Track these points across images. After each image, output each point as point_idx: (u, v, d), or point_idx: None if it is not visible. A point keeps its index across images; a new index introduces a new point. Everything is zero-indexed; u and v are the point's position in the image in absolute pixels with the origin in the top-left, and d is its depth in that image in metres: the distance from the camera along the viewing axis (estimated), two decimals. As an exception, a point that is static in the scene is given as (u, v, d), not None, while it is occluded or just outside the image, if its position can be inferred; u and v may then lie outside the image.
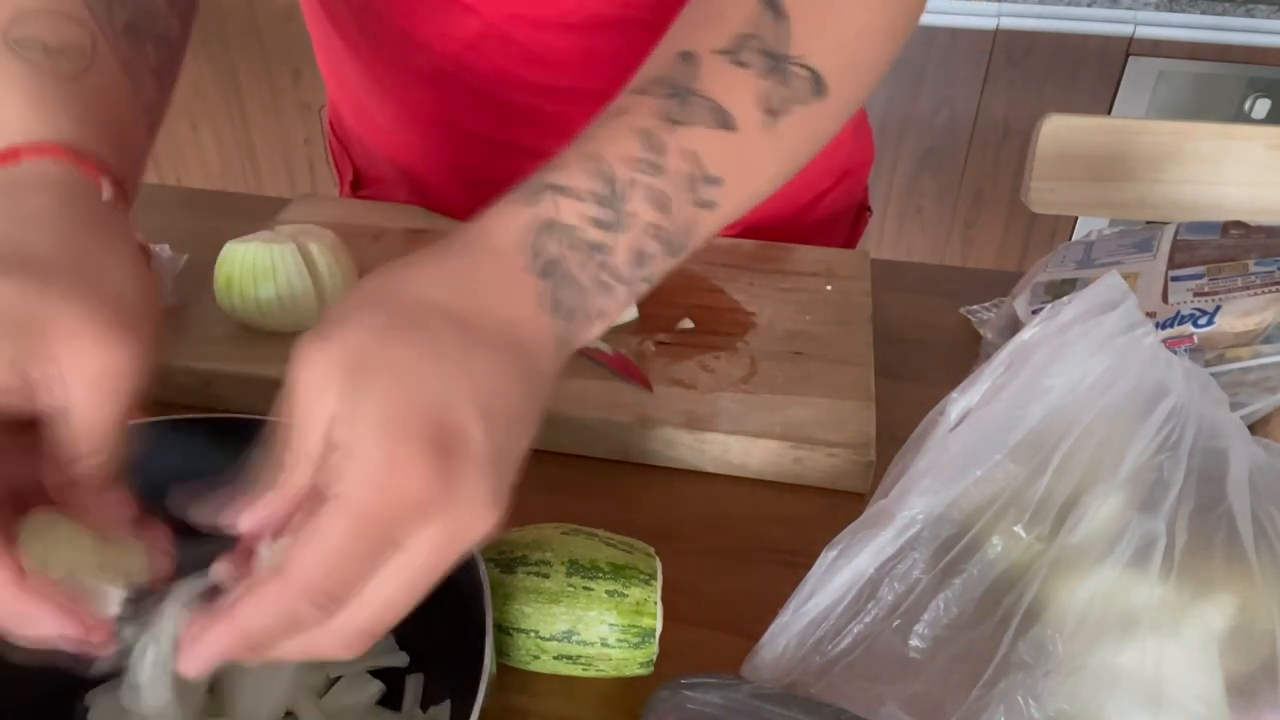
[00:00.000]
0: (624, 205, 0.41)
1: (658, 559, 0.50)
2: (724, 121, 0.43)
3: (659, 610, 0.48)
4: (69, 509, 0.37)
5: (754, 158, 0.45)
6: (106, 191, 0.41)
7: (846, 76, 0.47)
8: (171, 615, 0.38)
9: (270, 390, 0.70)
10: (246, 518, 0.36)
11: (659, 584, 0.48)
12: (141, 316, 0.38)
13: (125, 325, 0.37)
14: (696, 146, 0.42)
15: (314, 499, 0.35)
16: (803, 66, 0.44)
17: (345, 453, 0.34)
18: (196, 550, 0.38)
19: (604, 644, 0.47)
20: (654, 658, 0.48)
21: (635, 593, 0.47)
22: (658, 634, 0.48)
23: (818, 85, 0.45)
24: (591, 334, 0.42)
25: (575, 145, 0.42)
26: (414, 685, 0.48)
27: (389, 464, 0.33)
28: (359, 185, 0.91)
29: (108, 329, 0.36)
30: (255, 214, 0.82)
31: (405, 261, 0.39)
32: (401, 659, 0.49)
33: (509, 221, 0.40)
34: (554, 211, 0.40)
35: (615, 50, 0.61)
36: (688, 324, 0.70)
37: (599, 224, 0.41)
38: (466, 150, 0.79)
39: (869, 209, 0.96)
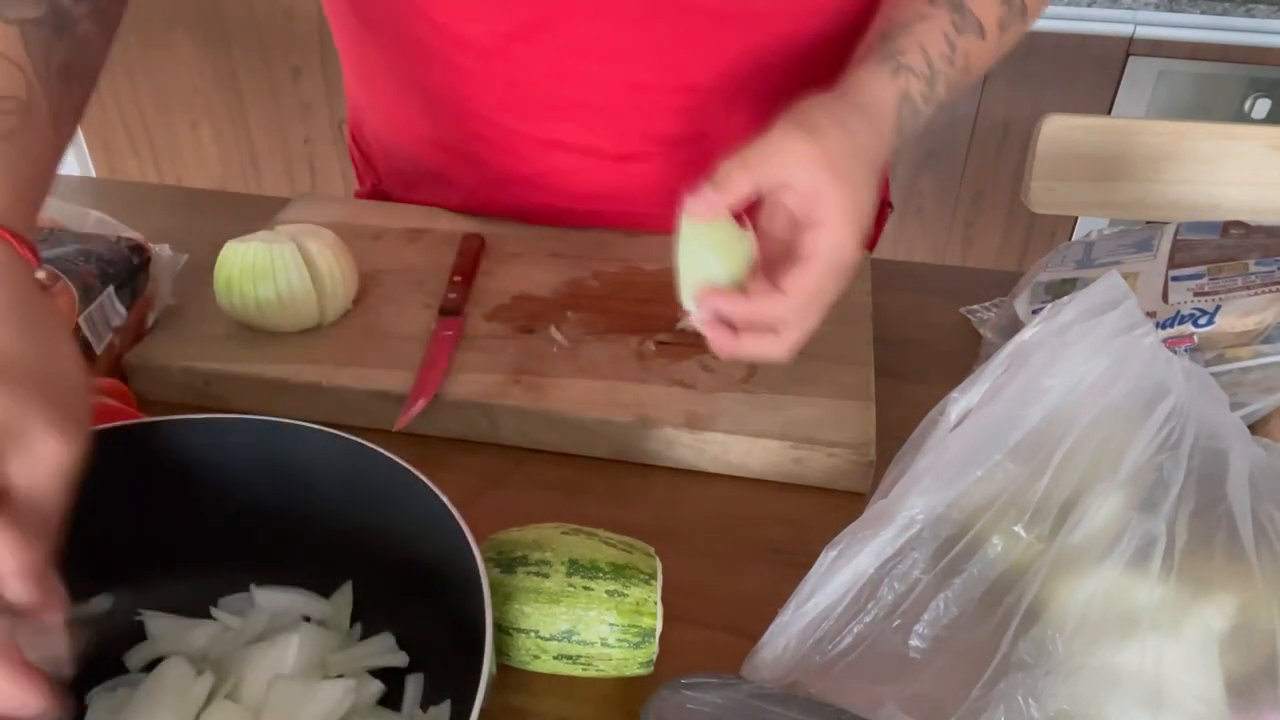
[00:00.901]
0: (936, 87, 0.60)
1: (658, 559, 0.50)
2: (982, 33, 0.62)
3: (659, 610, 0.48)
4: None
5: (989, 59, 0.64)
6: (41, 273, 0.44)
7: (1037, 3, 0.65)
8: None
9: (270, 390, 0.70)
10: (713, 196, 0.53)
11: (659, 584, 0.48)
12: (85, 404, 0.42)
13: (80, 417, 0.40)
14: (970, 50, 0.62)
15: (786, 257, 0.55)
16: None
17: (814, 224, 0.54)
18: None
19: (604, 644, 0.47)
20: (654, 658, 0.48)
21: (635, 592, 0.47)
22: (658, 634, 0.48)
23: (1025, 10, 0.65)
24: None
25: (904, 32, 0.60)
26: (414, 685, 0.48)
27: (848, 243, 0.54)
28: (381, 195, 0.91)
29: (70, 424, 0.39)
30: (255, 214, 0.82)
31: (827, 102, 0.56)
32: (401, 659, 0.49)
33: (886, 89, 0.58)
34: (906, 85, 0.58)
35: (674, 39, 0.69)
36: (688, 324, 0.70)
37: (925, 99, 0.59)
38: (514, 150, 0.78)
39: (890, 205, 0.96)
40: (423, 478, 0.45)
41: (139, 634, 0.50)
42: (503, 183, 0.81)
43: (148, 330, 0.70)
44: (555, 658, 0.48)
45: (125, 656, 0.49)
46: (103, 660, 0.49)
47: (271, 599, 0.51)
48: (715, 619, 0.53)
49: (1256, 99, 1.79)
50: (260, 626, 0.50)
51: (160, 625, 0.50)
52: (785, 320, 0.55)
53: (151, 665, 0.48)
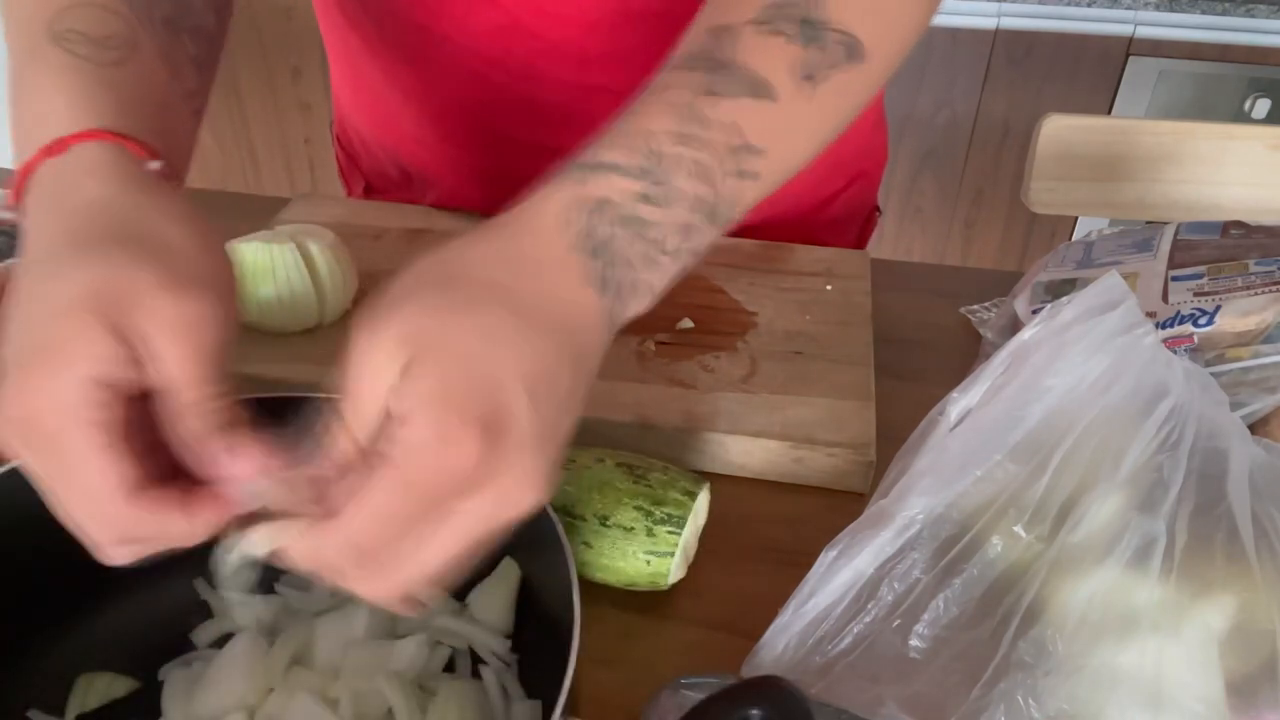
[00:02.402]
0: (671, 180, 0.41)
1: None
2: (763, 92, 0.43)
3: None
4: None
5: (794, 125, 0.46)
6: (153, 165, 0.42)
7: (882, 39, 0.47)
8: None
9: (270, 390, 0.69)
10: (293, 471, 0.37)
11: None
12: (208, 272, 0.39)
13: (193, 280, 0.38)
14: (737, 118, 0.43)
15: (365, 465, 0.36)
16: (838, 31, 0.45)
17: (400, 422, 0.35)
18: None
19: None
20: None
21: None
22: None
23: (854, 50, 0.46)
24: (638, 309, 0.43)
25: (618, 123, 0.43)
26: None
27: (441, 437, 0.34)
28: (370, 198, 0.91)
29: (178, 285, 0.37)
30: (255, 214, 0.82)
31: (460, 242, 0.40)
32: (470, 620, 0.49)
33: (559, 202, 0.40)
34: (604, 190, 0.40)
35: (645, 45, 0.58)
36: (688, 324, 0.70)
37: (647, 199, 0.41)
38: (493, 151, 0.78)
39: (878, 209, 0.96)
40: None
41: (205, 612, 0.51)
42: (483, 183, 0.81)
43: (148, 330, 0.70)
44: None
45: (193, 634, 0.50)
46: (171, 638, 0.50)
47: None
48: (715, 619, 0.53)
49: (1256, 99, 1.79)
50: (324, 600, 0.50)
51: (226, 601, 0.50)
52: (343, 555, 0.36)
53: (220, 642, 0.49)
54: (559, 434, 0.38)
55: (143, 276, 0.36)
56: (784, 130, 0.45)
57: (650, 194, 0.41)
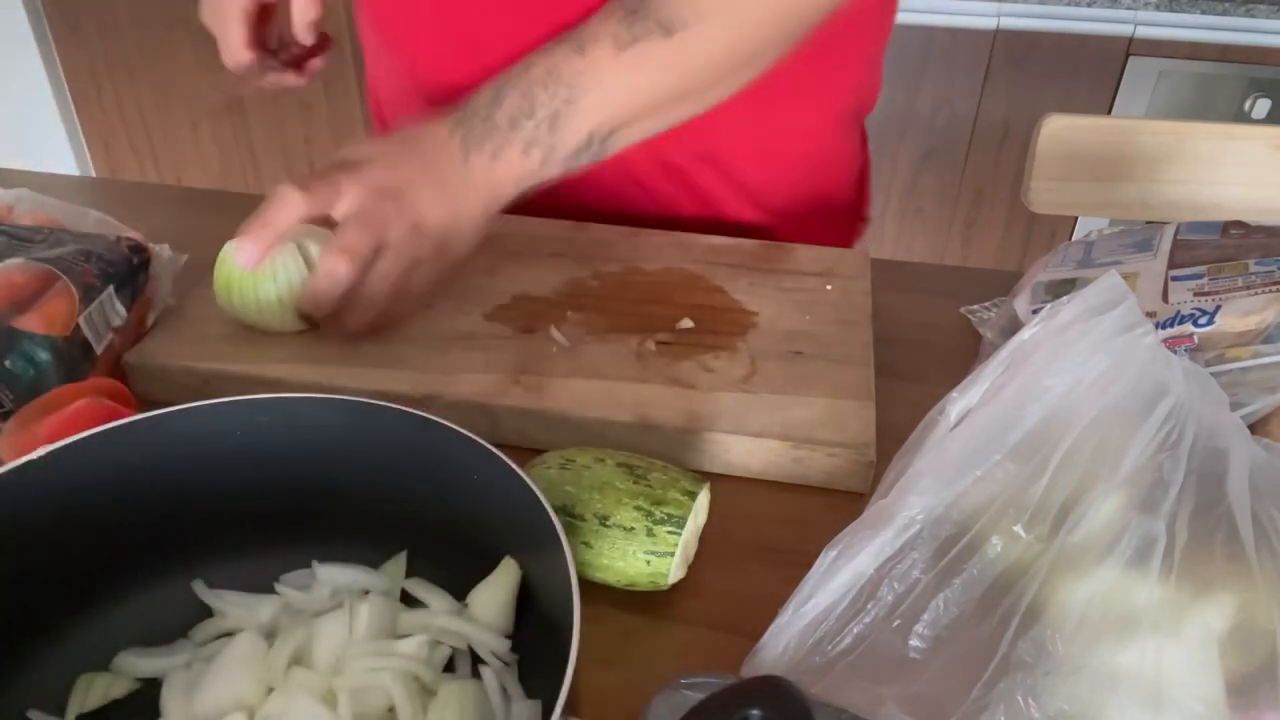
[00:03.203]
0: (505, 95, 0.67)
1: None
2: (578, 50, 0.66)
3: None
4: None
5: (602, 72, 0.66)
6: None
7: (700, 26, 0.65)
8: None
9: (270, 390, 0.69)
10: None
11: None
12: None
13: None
14: (554, 60, 0.67)
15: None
16: (653, 19, 0.65)
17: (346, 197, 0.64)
18: None
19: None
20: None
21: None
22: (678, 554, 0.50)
23: (665, 29, 0.65)
24: (508, 159, 0.67)
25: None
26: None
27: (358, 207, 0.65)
28: None
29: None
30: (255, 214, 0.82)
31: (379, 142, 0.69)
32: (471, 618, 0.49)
33: (449, 121, 0.68)
34: (462, 111, 0.68)
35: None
36: (688, 324, 0.71)
37: (490, 104, 0.67)
38: None
39: (865, 218, 0.96)
40: (485, 443, 0.46)
41: (204, 612, 0.51)
42: None
43: (148, 330, 0.70)
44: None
45: (191, 633, 0.50)
46: (171, 638, 0.50)
47: (332, 574, 0.51)
48: (715, 619, 0.53)
49: (1256, 99, 1.79)
50: (324, 600, 0.51)
51: (226, 601, 0.51)
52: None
53: (219, 642, 0.49)
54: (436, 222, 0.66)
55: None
56: (592, 74, 0.66)
57: (489, 100, 0.67)
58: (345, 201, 0.64)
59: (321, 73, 0.87)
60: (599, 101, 0.66)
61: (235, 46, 0.76)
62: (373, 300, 0.65)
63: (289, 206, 0.63)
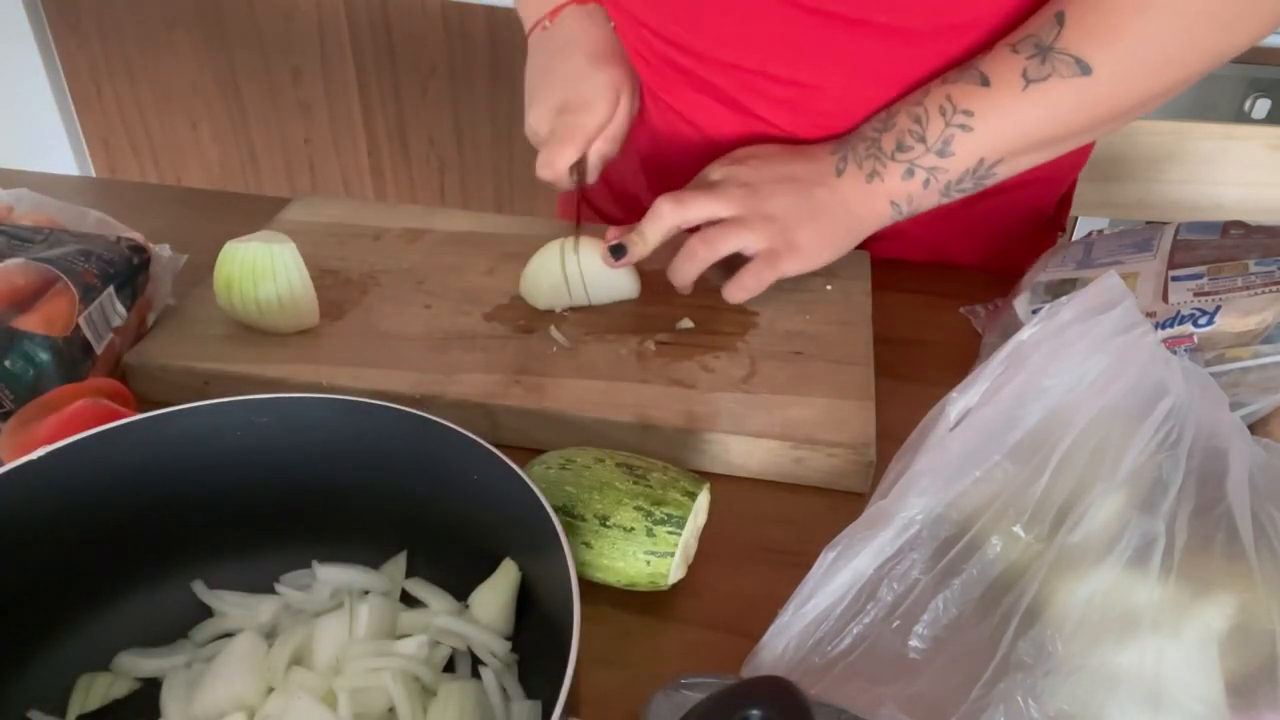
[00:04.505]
0: (895, 120, 0.69)
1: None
2: (981, 81, 0.66)
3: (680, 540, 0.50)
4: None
5: (1003, 104, 0.65)
6: (607, 14, 0.81)
7: (1115, 66, 0.63)
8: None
9: (270, 390, 0.69)
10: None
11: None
12: (632, 80, 0.80)
13: (632, 86, 0.80)
14: (952, 90, 0.67)
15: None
16: (1070, 56, 0.63)
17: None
18: None
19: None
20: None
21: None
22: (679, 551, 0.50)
23: (1081, 68, 0.63)
24: (886, 180, 0.70)
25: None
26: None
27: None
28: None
29: (630, 85, 0.79)
30: (255, 214, 0.82)
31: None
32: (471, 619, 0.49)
33: (834, 144, 0.74)
34: (850, 135, 0.73)
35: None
36: (688, 324, 0.71)
37: (878, 128, 0.70)
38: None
39: (1062, 228, 0.91)
40: (485, 443, 0.46)
41: (204, 612, 0.51)
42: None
43: (148, 330, 0.70)
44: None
45: (191, 633, 0.50)
46: (171, 638, 0.50)
47: (332, 575, 0.51)
48: (715, 619, 0.53)
49: (1256, 99, 1.79)
50: (324, 600, 0.51)
51: (226, 601, 0.51)
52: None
53: (219, 642, 0.49)
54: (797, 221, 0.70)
55: (626, 83, 0.78)
56: (993, 105, 0.65)
57: (882, 125, 0.70)
58: (725, 211, 0.69)
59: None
60: (997, 129, 0.66)
61: (563, 164, 0.75)
62: (700, 260, 0.70)
63: (663, 221, 0.69)
